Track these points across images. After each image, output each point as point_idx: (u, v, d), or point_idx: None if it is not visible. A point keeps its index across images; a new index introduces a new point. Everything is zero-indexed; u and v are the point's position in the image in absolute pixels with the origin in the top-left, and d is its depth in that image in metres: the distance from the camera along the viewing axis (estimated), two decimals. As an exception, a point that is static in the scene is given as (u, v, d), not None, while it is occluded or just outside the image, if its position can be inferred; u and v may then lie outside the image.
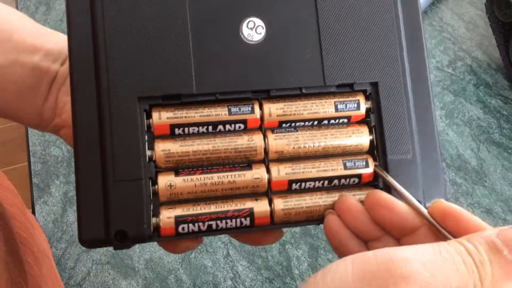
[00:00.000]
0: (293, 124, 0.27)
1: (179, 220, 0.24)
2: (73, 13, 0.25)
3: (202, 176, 0.25)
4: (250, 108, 0.26)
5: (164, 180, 0.25)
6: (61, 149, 0.57)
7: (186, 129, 0.25)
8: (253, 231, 0.26)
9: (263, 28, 0.25)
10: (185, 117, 0.25)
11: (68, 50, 0.25)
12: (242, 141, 0.26)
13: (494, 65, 0.63)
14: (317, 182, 0.26)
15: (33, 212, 0.53)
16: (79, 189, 0.24)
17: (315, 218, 0.26)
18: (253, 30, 0.25)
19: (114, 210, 0.24)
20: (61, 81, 0.31)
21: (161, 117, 0.25)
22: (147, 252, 0.48)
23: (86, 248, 0.26)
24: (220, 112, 0.25)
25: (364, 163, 0.27)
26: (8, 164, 1.69)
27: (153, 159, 0.25)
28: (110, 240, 0.24)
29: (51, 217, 0.52)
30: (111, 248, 0.51)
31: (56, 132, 0.33)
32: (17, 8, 0.71)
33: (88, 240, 0.24)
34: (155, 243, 0.49)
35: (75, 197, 0.53)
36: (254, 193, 0.26)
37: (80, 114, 0.24)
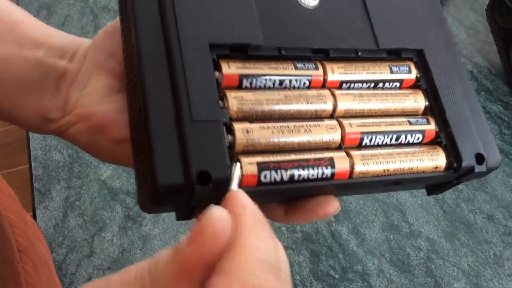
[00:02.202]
0: (352, 85, 0.28)
1: (261, 167, 0.23)
2: None
3: (278, 124, 0.24)
4: (314, 65, 0.26)
5: (241, 126, 0.23)
6: (62, 154, 0.57)
7: (254, 81, 0.25)
8: (329, 187, 0.25)
9: None
10: (254, 67, 0.25)
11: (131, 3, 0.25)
12: (311, 95, 0.26)
13: (494, 70, 0.63)
14: (386, 137, 0.27)
15: (34, 217, 0.53)
16: (151, 132, 0.22)
17: (391, 175, 0.26)
18: None
19: (194, 151, 0.21)
20: (72, 78, 0.30)
21: (230, 67, 0.24)
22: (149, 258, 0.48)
23: (159, 203, 0.23)
24: (286, 66, 0.26)
25: (426, 120, 0.28)
26: (8, 167, 1.69)
27: (226, 106, 0.24)
28: (191, 184, 0.21)
29: (52, 222, 0.52)
30: (112, 254, 0.51)
31: (64, 131, 0.30)
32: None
33: (165, 185, 0.21)
34: (155, 246, 0.49)
35: (76, 202, 0.53)
36: (328, 147, 0.26)
37: (148, 59, 0.23)
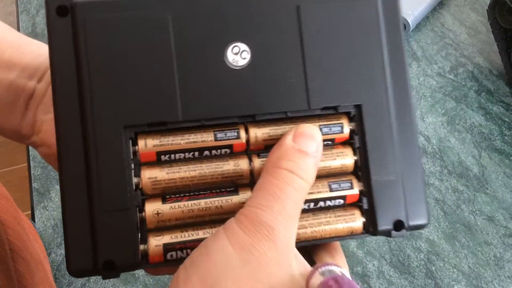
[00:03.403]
0: None
1: (167, 248, 0.24)
2: (55, 45, 0.25)
3: (189, 202, 0.25)
4: (236, 133, 0.26)
5: (152, 208, 0.25)
6: (61, 154, 0.57)
7: (172, 155, 0.25)
8: None
9: (248, 53, 0.25)
10: (171, 144, 0.25)
11: (52, 81, 0.25)
12: (228, 167, 0.26)
13: (495, 71, 0.63)
14: (304, 205, 0.26)
15: (33, 217, 0.53)
16: (66, 219, 0.24)
17: (301, 242, 0.26)
18: (238, 55, 0.25)
19: (102, 240, 0.24)
20: (39, 99, 0.31)
21: (147, 145, 0.25)
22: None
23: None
24: (206, 138, 0.25)
25: (349, 184, 0.27)
26: (8, 165, 1.68)
27: (140, 186, 0.25)
28: (98, 270, 0.24)
29: (51, 222, 0.52)
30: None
31: (35, 148, 0.32)
32: (17, 11, 0.71)
33: (76, 270, 0.24)
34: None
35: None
36: None
37: (65, 144, 0.24)
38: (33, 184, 0.54)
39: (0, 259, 0.35)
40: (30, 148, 0.57)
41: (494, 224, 0.51)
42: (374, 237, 0.50)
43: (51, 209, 0.52)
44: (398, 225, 0.26)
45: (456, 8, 0.70)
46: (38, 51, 0.32)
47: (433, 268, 0.48)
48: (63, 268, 0.49)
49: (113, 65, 0.24)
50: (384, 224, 0.26)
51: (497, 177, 0.54)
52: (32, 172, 0.55)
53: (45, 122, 0.30)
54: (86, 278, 0.48)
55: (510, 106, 0.59)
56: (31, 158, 0.57)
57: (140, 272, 0.47)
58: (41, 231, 0.51)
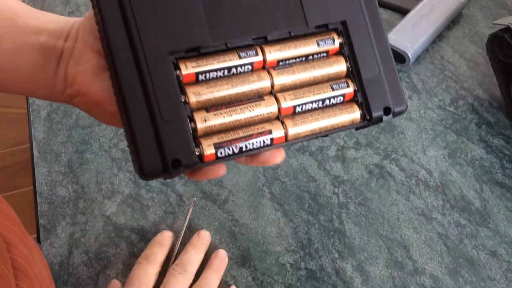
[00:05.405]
0: (287, 62, 0.33)
1: (217, 146, 0.30)
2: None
3: (227, 109, 0.31)
4: (254, 52, 0.32)
5: (199, 116, 0.30)
6: (68, 189, 0.57)
7: (207, 74, 0.31)
8: (272, 148, 0.32)
9: None
10: (206, 64, 0.31)
11: (102, 24, 0.30)
12: (253, 78, 0.32)
13: (495, 103, 0.63)
14: (314, 104, 0.33)
15: (38, 240, 0.53)
16: (134, 132, 0.29)
17: (317, 133, 0.33)
18: None
19: (167, 144, 0.29)
20: (68, 55, 0.35)
21: (188, 67, 0.30)
22: None
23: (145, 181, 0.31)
24: (232, 58, 0.31)
25: (345, 84, 0.34)
26: (11, 189, 1.69)
27: (187, 101, 0.31)
28: (167, 169, 0.29)
29: (57, 259, 0.52)
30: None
31: (69, 101, 0.36)
32: None
33: (149, 171, 0.29)
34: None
35: (81, 239, 0.53)
36: (268, 119, 0.32)
37: (123, 71, 0.29)
38: (39, 221, 0.55)
39: (3, 277, 0.36)
40: (37, 183, 0.58)
41: (497, 259, 0.51)
42: (378, 272, 0.50)
43: (57, 246, 0.53)
44: (387, 111, 0.33)
45: (455, 40, 0.71)
46: (56, 18, 0.36)
47: (437, 304, 0.49)
48: (69, 306, 0.49)
49: (153, 2, 0.30)
50: (377, 111, 0.33)
51: (498, 211, 0.54)
52: (38, 208, 0.56)
53: (78, 73, 0.34)
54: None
55: (511, 139, 0.60)
56: (38, 193, 0.57)
57: None
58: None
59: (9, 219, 0.48)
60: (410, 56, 0.66)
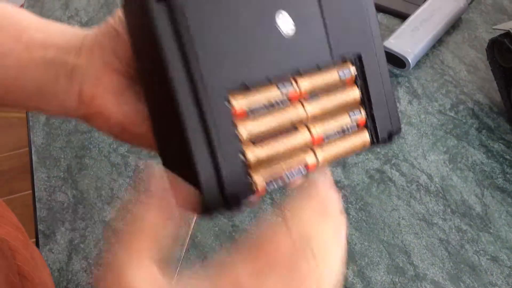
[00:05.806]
0: (314, 93, 0.35)
1: (266, 179, 0.32)
2: (159, 30, 0.30)
3: (271, 141, 0.32)
4: (290, 84, 0.33)
5: (249, 150, 0.32)
6: (67, 195, 0.57)
7: (255, 110, 0.32)
8: (305, 177, 0.34)
9: (292, 24, 0.33)
10: (254, 99, 0.32)
11: (164, 62, 0.29)
12: (290, 109, 0.34)
13: (496, 108, 0.63)
14: (336, 133, 0.35)
15: (37, 245, 0.53)
16: (196, 166, 0.29)
17: (338, 158, 0.35)
18: (286, 24, 0.33)
19: (227, 180, 0.30)
20: (82, 73, 0.33)
21: (240, 103, 0.31)
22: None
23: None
24: (272, 91, 0.33)
25: (359, 112, 0.36)
26: (9, 193, 1.68)
27: (239, 136, 0.32)
28: (227, 203, 0.30)
29: (57, 265, 0.52)
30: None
31: (83, 120, 0.35)
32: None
33: (211, 207, 0.30)
34: None
35: (80, 245, 0.53)
36: (301, 149, 0.34)
37: (182, 104, 0.30)
38: (38, 226, 0.55)
39: (9, 283, 0.36)
40: (36, 189, 0.58)
41: (498, 264, 0.51)
42: (379, 278, 0.50)
43: (56, 252, 0.53)
44: (390, 135, 0.37)
45: (455, 45, 0.71)
46: (62, 30, 0.35)
47: (439, 310, 0.48)
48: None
49: (212, 36, 0.31)
50: (383, 136, 0.36)
51: (499, 216, 0.54)
52: (38, 214, 0.56)
53: (97, 95, 0.33)
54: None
55: (511, 143, 0.60)
56: (37, 199, 0.57)
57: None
58: (46, 274, 0.51)
59: (12, 224, 0.48)
60: (410, 61, 0.66)
